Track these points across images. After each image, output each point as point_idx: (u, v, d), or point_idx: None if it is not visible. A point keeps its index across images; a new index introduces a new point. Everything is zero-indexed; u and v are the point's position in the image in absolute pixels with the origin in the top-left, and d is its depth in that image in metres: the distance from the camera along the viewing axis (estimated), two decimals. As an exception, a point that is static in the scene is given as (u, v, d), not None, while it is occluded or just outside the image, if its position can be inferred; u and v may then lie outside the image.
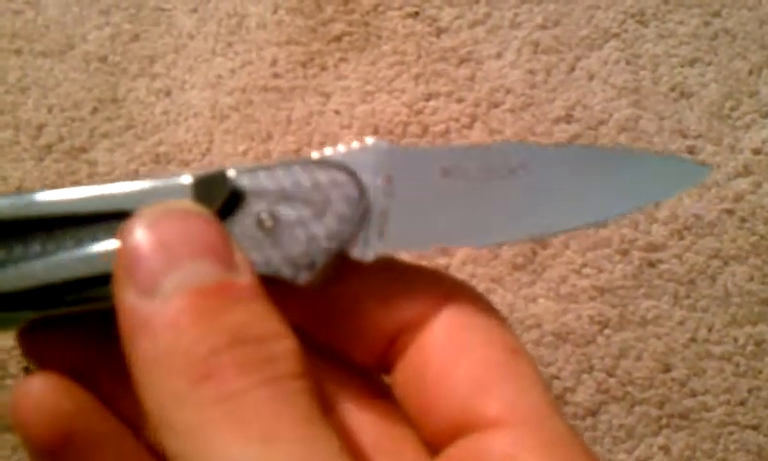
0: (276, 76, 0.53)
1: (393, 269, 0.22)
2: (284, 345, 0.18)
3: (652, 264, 0.50)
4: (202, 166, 0.51)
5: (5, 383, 0.48)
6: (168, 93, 0.52)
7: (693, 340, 0.49)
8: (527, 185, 0.22)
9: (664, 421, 0.48)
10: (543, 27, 0.54)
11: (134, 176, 0.51)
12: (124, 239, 0.18)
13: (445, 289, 0.21)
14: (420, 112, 0.52)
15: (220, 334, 0.17)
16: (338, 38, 0.53)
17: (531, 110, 0.52)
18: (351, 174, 0.21)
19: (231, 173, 0.20)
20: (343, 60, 0.53)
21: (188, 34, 0.53)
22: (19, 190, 0.50)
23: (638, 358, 0.49)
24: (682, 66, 0.53)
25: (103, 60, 0.53)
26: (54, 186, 0.49)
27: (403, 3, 0.54)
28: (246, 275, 0.18)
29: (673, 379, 0.49)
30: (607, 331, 0.49)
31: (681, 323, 0.49)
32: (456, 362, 0.20)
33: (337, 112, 0.52)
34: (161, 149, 0.51)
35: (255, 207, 0.20)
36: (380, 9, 0.54)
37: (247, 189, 0.20)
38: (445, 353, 0.20)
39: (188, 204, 0.19)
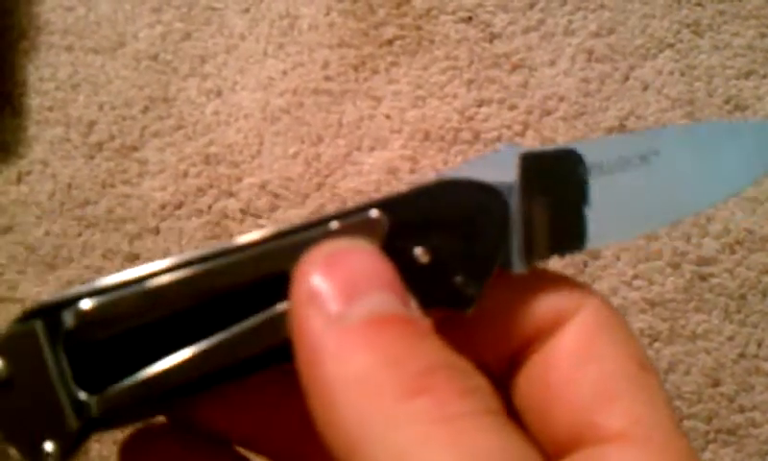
0: (327, 79, 0.52)
1: (524, 276, 0.21)
2: (485, 380, 0.18)
3: (703, 278, 0.50)
4: (252, 169, 0.51)
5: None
6: (219, 94, 0.52)
7: (743, 355, 0.49)
8: (662, 170, 0.22)
9: (712, 436, 0.48)
10: (598, 35, 0.53)
11: (185, 176, 0.51)
12: (305, 272, 0.18)
13: (576, 297, 0.21)
14: (471, 119, 0.52)
15: (429, 354, 0.17)
16: (390, 42, 0.53)
17: (584, 119, 0.52)
18: (490, 190, 0.21)
19: (374, 213, 0.20)
20: (394, 64, 0.53)
21: (240, 34, 0.53)
22: (70, 188, 0.50)
23: (687, 373, 0.49)
24: (737, 78, 0.53)
25: (154, 58, 0.53)
26: (104, 184, 0.50)
27: (456, 7, 0.53)
28: (417, 313, 0.18)
29: (721, 394, 0.49)
30: (657, 345, 0.49)
31: (731, 338, 0.49)
32: (583, 371, 0.20)
33: (388, 117, 0.52)
34: (212, 150, 0.51)
35: (405, 242, 0.20)
36: (433, 13, 0.53)
37: (392, 224, 0.20)
38: (572, 362, 0.20)
39: (361, 241, 0.19)
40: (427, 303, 0.19)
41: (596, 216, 0.21)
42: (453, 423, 0.16)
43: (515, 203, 0.21)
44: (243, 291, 0.19)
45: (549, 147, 0.22)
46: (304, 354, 0.17)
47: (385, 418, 0.16)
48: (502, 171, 0.21)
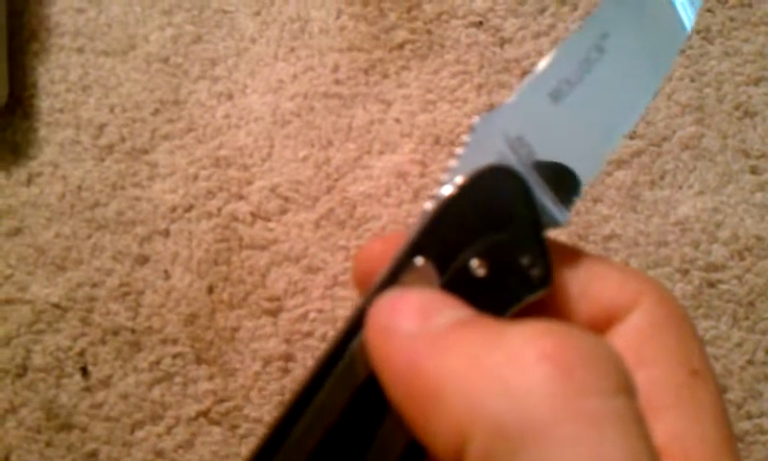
0: (337, 82, 0.52)
1: (581, 264, 0.21)
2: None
3: (712, 284, 0.50)
4: (262, 172, 0.51)
5: (61, 382, 0.48)
6: (229, 97, 0.52)
7: (750, 362, 0.49)
8: (620, 53, 0.22)
9: (720, 442, 0.48)
10: (607, 40, 0.53)
11: (195, 179, 0.51)
12: (376, 312, 0.18)
13: (633, 291, 0.20)
14: (481, 123, 0.52)
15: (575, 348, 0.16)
16: (400, 46, 0.53)
17: (593, 125, 0.52)
18: (499, 169, 0.21)
19: (420, 262, 0.20)
20: (405, 68, 0.53)
21: (250, 37, 0.53)
22: (80, 190, 0.50)
23: (696, 379, 0.49)
24: (746, 85, 0.53)
25: (164, 60, 0.53)
26: (114, 186, 0.50)
27: (467, 12, 0.53)
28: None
29: (729, 401, 0.49)
30: (665, 351, 0.49)
31: (739, 344, 0.49)
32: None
33: (398, 121, 0.52)
34: (222, 153, 0.51)
35: (457, 264, 0.20)
36: (443, 17, 0.53)
37: (435, 253, 0.20)
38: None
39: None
40: (505, 305, 0.20)
41: (589, 126, 0.21)
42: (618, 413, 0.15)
43: (522, 168, 0.21)
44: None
45: (512, 101, 0.22)
46: (394, 366, 0.17)
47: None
48: (494, 150, 0.21)
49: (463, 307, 0.18)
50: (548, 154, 0.21)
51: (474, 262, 0.20)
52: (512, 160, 0.21)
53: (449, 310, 0.17)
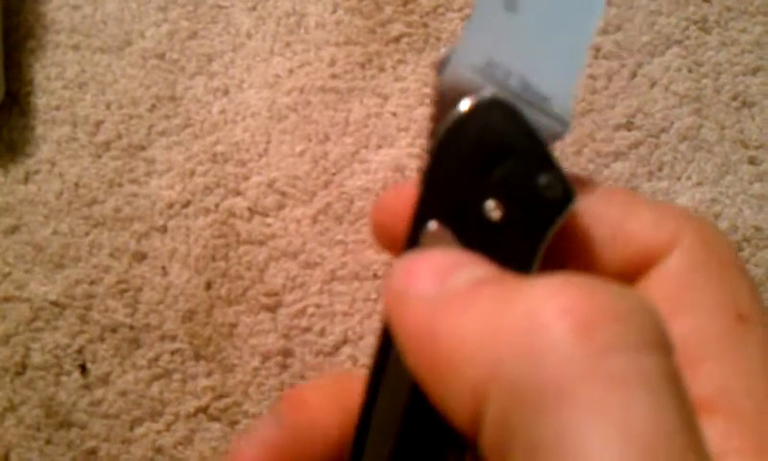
0: (334, 76, 0.52)
1: (611, 203, 0.19)
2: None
3: (711, 276, 0.50)
4: (259, 167, 0.51)
5: (60, 380, 0.48)
6: (226, 92, 0.52)
7: (751, 353, 0.49)
8: None
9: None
10: (605, 32, 0.53)
11: (192, 175, 0.51)
12: (392, 276, 0.17)
13: (672, 228, 0.19)
14: (478, 116, 0.52)
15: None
16: (397, 40, 0.53)
17: (591, 116, 0.52)
18: (479, 105, 0.19)
19: (433, 226, 0.19)
20: (401, 61, 0.53)
21: (246, 32, 0.53)
22: (77, 187, 0.50)
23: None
24: (744, 75, 0.52)
25: (161, 57, 0.53)
26: (111, 183, 0.50)
27: (463, 4, 0.53)
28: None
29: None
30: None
31: (738, 335, 0.49)
32: (671, 323, 0.16)
33: (394, 115, 0.52)
34: (219, 148, 0.51)
35: (471, 209, 0.19)
36: (440, 10, 0.53)
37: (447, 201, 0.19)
38: (662, 308, 0.17)
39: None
40: (533, 243, 0.18)
41: (549, 28, 0.20)
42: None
43: (504, 92, 0.20)
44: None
45: (473, 26, 0.20)
46: (410, 331, 0.16)
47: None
48: (468, 86, 0.20)
49: (480, 265, 0.17)
50: (524, 66, 0.20)
51: (489, 206, 0.19)
52: (490, 89, 0.20)
53: (465, 270, 0.17)
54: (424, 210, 0.19)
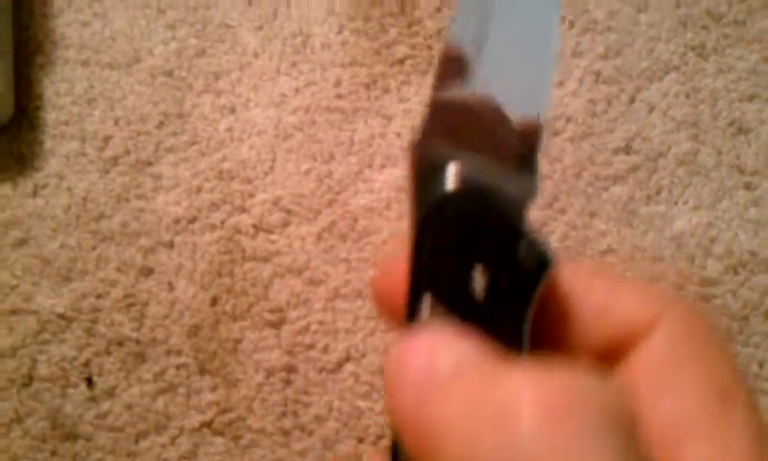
0: (339, 97, 0.53)
1: (596, 285, 0.20)
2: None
3: (706, 299, 0.51)
4: (265, 185, 0.52)
5: (66, 392, 0.49)
6: (232, 110, 0.53)
7: (744, 376, 0.50)
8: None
9: (714, 453, 0.49)
10: (605, 57, 0.54)
11: (199, 191, 0.51)
12: (387, 362, 0.18)
13: (656, 307, 0.19)
14: (480, 138, 0.53)
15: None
16: (401, 61, 0.54)
17: (591, 140, 0.53)
18: (449, 198, 0.20)
19: (424, 301, 0.19)
20: (405, 82, 0.54)
21: (253, 51, 0.54)
22: (85, 201, 0.51)
23: (690, 391, 0.50)
24: (740, 101, 0.54)
25: (169, 74, 0.53)
26: (119, 198, 0.50)
27: (467, 28, 0.54)
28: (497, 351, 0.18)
29: (723, 413, 0.50)
30: (660, 363, 0.50)
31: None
32: (653, 404, 0.18)
33: (398, 135, 0.53)
34: (225, 165, 0.52)
35: (457, 286, 0.19)
36: (443, 33, 0.54)
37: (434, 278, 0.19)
38: (645, 390, 0.18)
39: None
40: (521, 307, 0.19)
41: (513, 67, 0.21)
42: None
43: (481, 162, 0.20)
44: None
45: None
46: (403, 414, 0.17)
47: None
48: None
49: (466, 346, 0.18)
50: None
51: (474, 279, 0.19)
52: (461, 164, 0.20)
53: (452, 353, 0.17)
54: (416, 286, 0.20)
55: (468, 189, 0.20)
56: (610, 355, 0.19)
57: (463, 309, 0.19)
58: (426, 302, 0.19)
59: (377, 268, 0.21)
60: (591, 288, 0.20)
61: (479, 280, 0.19)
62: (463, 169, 0.20)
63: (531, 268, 0.19)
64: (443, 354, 0.17)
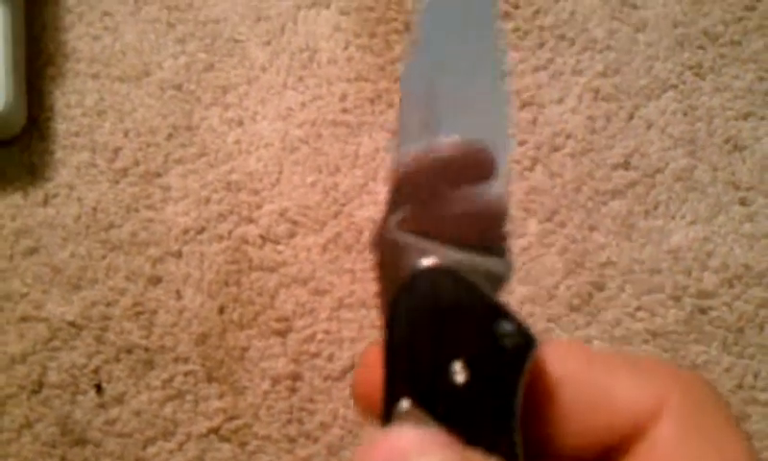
0: (344, 111, 0.54)
1: (590, 366, 0.18)
2: None
3: (703, 311, 0.52)
4: (271, 196, 0.53)
5: (76, 399, 0.49)
6: (240, 123, 0.54)
7: (740, 387, 0.51)
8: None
9: (710, 462, 0.50)
10: (604, 75, 0.55)
11: (207, 202, 0.53)
12: (360, 456, 0.17)
13: (659, 387, 0.18)
14: (482, 153, 0.54)
15: None
16: (406, 77, 0.55)
17: (590, 156, 0.54)
18: (415, 283, 0.19)
19: (405, 405, 0.18)
20: (409, 98, 0.55)
21: (261, 66, 0.55)
22: (95, 211, 0.52)
23: (687, 401, 0.51)
24: (736, 119, 0.55)
25: (178, 87, 0.55)
26: (128, 209, 0.51)
27: (470, 45, 0.56)
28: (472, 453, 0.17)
29: (719, 423, 0.51)
30: (658, 374, 0.51)
31: (728, 369, 0.51)
32: None
33: (402, 149, 0.54)
34: (233, 177, 0.53)
35: (436, 374, 0.18)
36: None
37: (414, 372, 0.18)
38: None
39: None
40: (508, 394, 0.17)
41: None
42: None
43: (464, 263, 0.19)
44: None
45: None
46: None
47: None
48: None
49: (439, 453, 0.16)
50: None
51: (453, 370, 0.18)
52: (428, 252, 0.19)
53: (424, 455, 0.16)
54: (392, 388, 0.18)
55: (440, 266, 0.19)
56: (614, 445, 0.18)
57: (442, 403, 0.18)
58: (403, 404, 0.18)
59: (358, 361, 0.20)
60: (589, 371, 0.18)
61: (458, 366, 0.18)
62: (433, 248, 0.19)
63: (514, 347, 0.18)
64: (414, 458, 0.16)
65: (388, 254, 0.20)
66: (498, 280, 0.19)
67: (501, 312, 0.18)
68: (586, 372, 0.18)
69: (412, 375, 0.18)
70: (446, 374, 0.18)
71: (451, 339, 0.18)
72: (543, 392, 0.18)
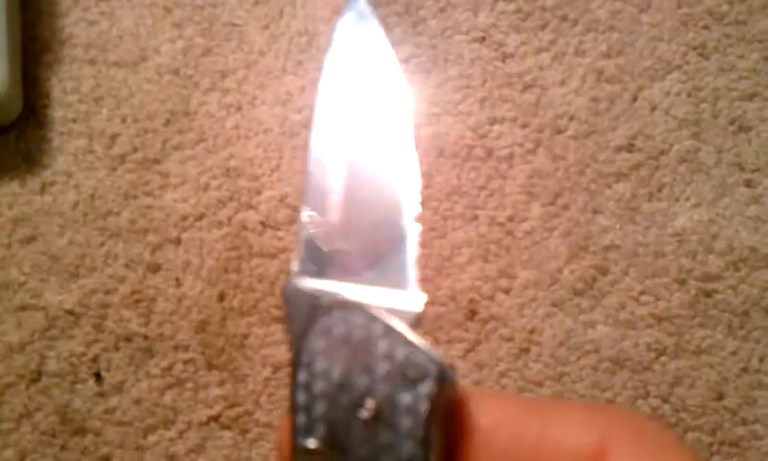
0: (344, 95, 0.54)
1: (532, 412, 0.18)
2: None
3: (708, 294, 0.51)
4: (271, 182, 0.52)
5: (75, 387, 0.49)
6: (239, 108, 0.53)
7: (745, 370, 0.51)
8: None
9: (715, 447, 0.50)
10: (607, 56, 0.55)
11: (206, 189, 0.52)
12: None
13: (602, 426, 0.17)
14: (484, 136, 0.53)
15: None
16: (405, 61, 0.54)
17: (594, 138, 0.53)
18: (329, 304, 0.19)
19: (312, 443, 0.18)
20: (409, 81, 0.54)
21: (259, 50, 0.54)
22: (93, 198, 0.52)
23: (692, 386, 0.50)
24: (741, 100, 0.54)
25: (175, 72, 0.54)
26: (127, 196, 0.51)
27: (470, 28, 0.55)
28: None
29: (725, 408, 0.50)
30: (663, 359, 0.50)
31: (734, 353, 0.51)
32: None
33: (403, 133, 0.53)
34: (232, 163, 0.52)
35: (346, 425, 0.17)
36: (447, 33, 0.55)
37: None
38: None
39: None
40: (423, 429, 0.17)
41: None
42: None
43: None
44: None
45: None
46: None
47: None
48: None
49: None
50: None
51: (360, 407, 0.17)
52: (332, 294, 0.19)
53: None
54: (299, 427, 0.18)
55: (344, 301, 0.19)
56: None
57: (351, 439, 0.17)
58: (310, 443, 0.17)
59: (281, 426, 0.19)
60: (522, 420, 0.17)
61: (366, 405, 0.17)
62: (337, 286, 0.19)
63: (421, 379, 0.17)
64: None
65: (294, 301, 0.20)
66: (406, 313, 0.19)
67: (407, 340, 0.18)
68: (520, 420, 0.17)
69: (318, 412, 0.18)
70: (352, 409, 0.17)
71: (356, 374, 0.18)
72: (476, 444, 0.17)
